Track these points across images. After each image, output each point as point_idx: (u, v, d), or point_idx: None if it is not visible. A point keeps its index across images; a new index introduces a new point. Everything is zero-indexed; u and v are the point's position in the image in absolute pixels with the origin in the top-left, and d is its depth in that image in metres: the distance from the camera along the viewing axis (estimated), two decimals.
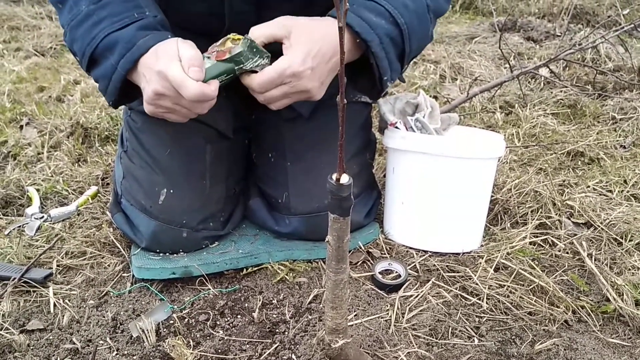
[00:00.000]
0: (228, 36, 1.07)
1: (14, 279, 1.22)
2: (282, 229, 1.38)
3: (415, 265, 1.33)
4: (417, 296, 1.22)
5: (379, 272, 1.29)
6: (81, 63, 1.15)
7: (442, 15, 1.26)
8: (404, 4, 1.11)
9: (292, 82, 1.03)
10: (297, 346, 1.07)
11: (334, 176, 0.78)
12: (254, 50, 1.05)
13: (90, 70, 1.14)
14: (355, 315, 1.16)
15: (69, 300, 1.21)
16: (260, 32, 1.05)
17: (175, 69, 0.99)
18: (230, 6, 1.20)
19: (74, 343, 1.09)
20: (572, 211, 1.54)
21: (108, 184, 1.72)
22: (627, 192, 1.68)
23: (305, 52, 1.02)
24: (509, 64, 2.45)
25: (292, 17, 1.07)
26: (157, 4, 1.18)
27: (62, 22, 1.14)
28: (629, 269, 1.32)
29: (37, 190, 1.65)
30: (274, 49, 1.06)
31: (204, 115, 1.14)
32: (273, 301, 1.22)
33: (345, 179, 0.78)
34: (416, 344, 1.08)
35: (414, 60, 2.95)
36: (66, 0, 1.12)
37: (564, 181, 1.73)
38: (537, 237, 1.44)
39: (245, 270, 1.31)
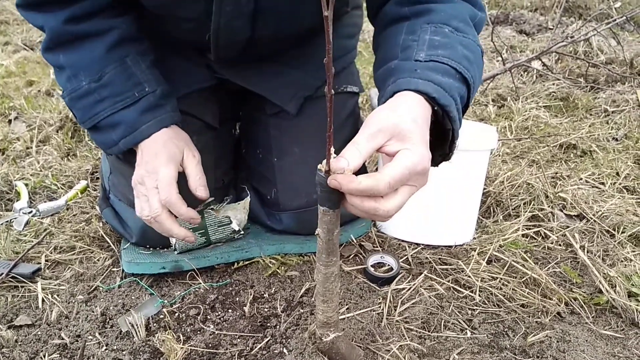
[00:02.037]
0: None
1: (2, 274, 1.21)
2: (274, 225, 1.37)
3: (407, 258, 1.32)
4: (409, 289, 1.21)
5: (371, 265, 1.28)
6: (78, 122, 1.19)
7: None
8: (465, 57, 0.96)
9: (418, 180, 0.84)
10: (289, 340, 1.06)
11: (323, 167, 0.77)
12: (222, 225, 1.30)
13: (88, 129, 1.18)
14: (347, 308, 1.16)
15: (57, 296, 1.19)
16: (362, 159, 0.79)
17: (168, 172, 1.09)
18: (216, 47, 1.19)
19: (63, 338, 1.07)
20: (565, 203, 1.53)
21: (98, 178, 1.70)
22: (620, 184, 1.68)
23: (424, 147, 0.82)
24: (502, 57, 2.44)
25: (383, 120, 0.82)
26: (143, 32, 1.18)
27: (60, 85, 1.16)
28: (622, 261, 1.31)
29: (26, 184, 1.63)
30: None
31: (190, 108, 1.26)
32: (264, 295, 1.21)
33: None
34: (408, 337, 1.08)
35: None
36: (64, 68, 1.13)
37: (556, 173, 1.73)
38: (529, 229, 1.43)
39: (236, 264, 1.30)
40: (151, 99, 1.13)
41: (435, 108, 0.87)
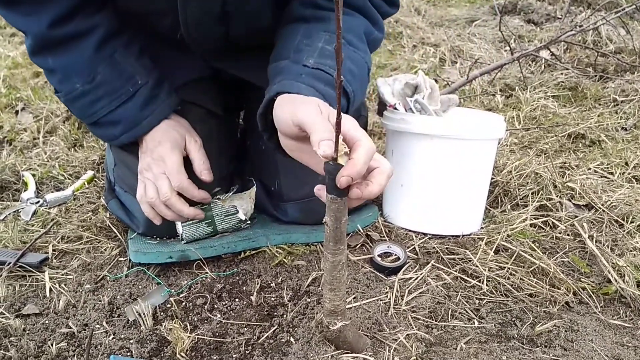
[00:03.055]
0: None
1: (10, 263, 1.21)
2: (280, 216, 1.37)
3: (414, 247, 1.32)
4: (416, 279, 1.21)
5: (378, 255, 1.27)
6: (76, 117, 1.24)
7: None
8: (350, 71, 1.02)
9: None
10: (296, 329, 1.06)
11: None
12: (229, 215, 1.30)
13: (87, 124, 1.21)
14: (354, 297, 1.15)
15: (65, 285, 1.19)
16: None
17: (175, 158, 1.15)
18: (191, 42, 1.18)
19: (70, 327, 1.07)
20: (573, 193, 1.52)
21: (104, 169, 1.70)
22: (628, 174, 1.67)
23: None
24: (510, 46, 2.42)
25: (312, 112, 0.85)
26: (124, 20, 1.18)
27: (53, 85, 1.18)
28: (630, 251, 1.30)
29: (33, 175, 1.64)
30: None
31: (190, 96, 1.27)
32: (271, 284, 1.21)
33: (343, 159, 0.76)
34: (416, 326, 1.07)
35: (414, 44, 2.93)
36: (54, 71, 1.14)
37: (564, 163, 1.72)
38: (537, 219, 1.42)
39: (243, 253, 1.30)
40: (145, 92, 1.15)
41: None
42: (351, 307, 1.12)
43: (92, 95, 1.13)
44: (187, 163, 1.19)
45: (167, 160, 1.14)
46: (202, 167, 1.19)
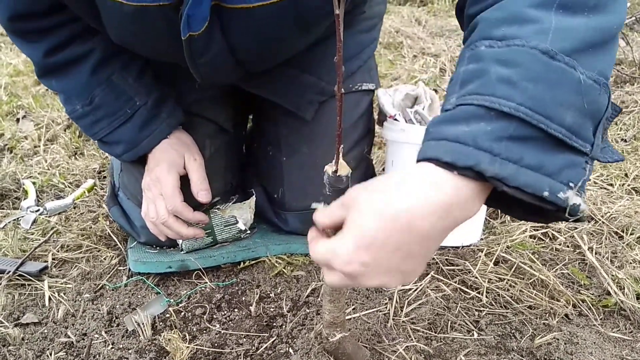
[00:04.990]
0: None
1: (9, 272, 1.21)
2: (280, 224, 1.38)
3: None
4: (416, 290, 1.21)
5: None
6: None
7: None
8: (502, 80, 0.63)
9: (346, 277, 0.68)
10: (295, 340, 1.06)
11: (332, 168, 0.76)
12: (228, 225, 1.30)
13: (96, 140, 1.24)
14: (353, 309, 1.15)
15: (64, 294, 1.19)
16: (327, 221, 0.72)
17: (170, 180, 1.15)
18: (209, 85, 1.19)
19: (69, 337, 1.07)
20: None
21: (105, 177, 1.71)
22: (628, 185, 1.67)
23: (356, 242, 0.63)
24: None
25: (359, 188, 0.67)
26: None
27: (61, 104, 1.21)
28: (630, 263, 1.30)
29: (33, 183, 1.64)
30: None
31: (203, 110, 1.28)
32: (270, 295, 1.21)
33: (344, 170, 0.77)
34: (415, 338, 1.07)
35: (414, 54, 2.93)
36: (58, 93, 1.18)
37: None
38: (537, 230, 1.43)
39: (242, 263, 1.30)
40: (144, 113, 1.16)
41: (456, 173, 0.63)
42: (350, 319, 1.12)
43: (92, 116, 1.15)
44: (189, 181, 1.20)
45: (163, 182, 1.15)
46: (200, 187, 1.19)
